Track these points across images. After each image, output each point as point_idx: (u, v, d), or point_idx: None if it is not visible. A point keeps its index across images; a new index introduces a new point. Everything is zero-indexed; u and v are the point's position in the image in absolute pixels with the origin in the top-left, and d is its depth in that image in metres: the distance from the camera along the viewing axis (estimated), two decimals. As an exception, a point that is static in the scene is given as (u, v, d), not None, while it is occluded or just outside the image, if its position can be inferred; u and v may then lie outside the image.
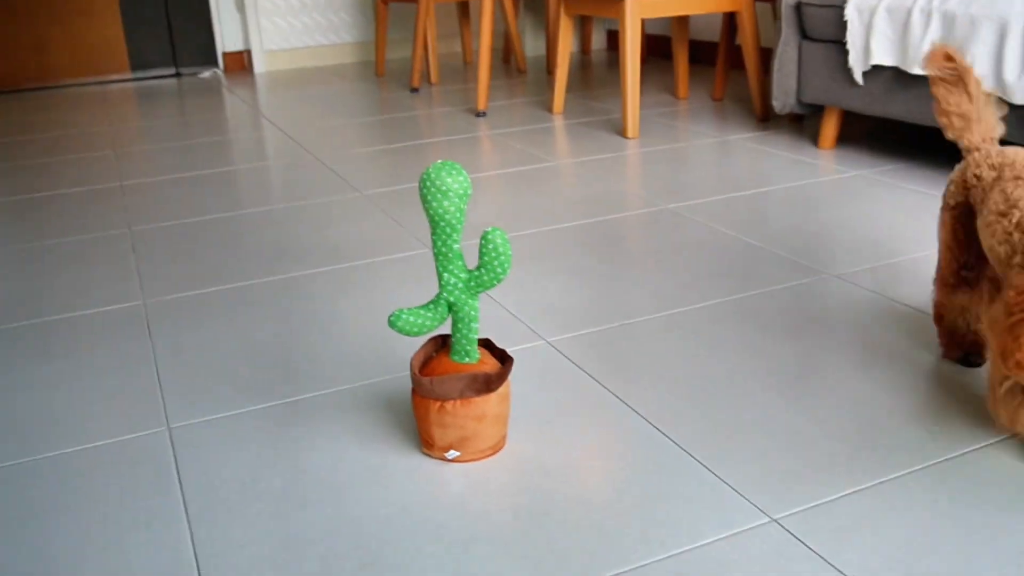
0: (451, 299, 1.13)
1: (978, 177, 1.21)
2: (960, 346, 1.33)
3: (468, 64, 4.62)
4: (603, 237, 1.95)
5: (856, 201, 2.10)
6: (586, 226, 2.03)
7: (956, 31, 2.06)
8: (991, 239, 1.13)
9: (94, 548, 1.02)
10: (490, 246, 1.10)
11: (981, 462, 1.10)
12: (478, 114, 3.31)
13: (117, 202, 2.40)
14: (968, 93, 1.26)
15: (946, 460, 1.10)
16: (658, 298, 1.62)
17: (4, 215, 2.34)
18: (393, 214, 2.18)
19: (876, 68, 2.30)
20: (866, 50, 2.28)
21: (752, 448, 1.15)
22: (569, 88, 3.79)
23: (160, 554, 1.01)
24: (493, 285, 1.12)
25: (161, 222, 2.21)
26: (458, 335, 1.15)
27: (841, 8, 2.34)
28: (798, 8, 2.53)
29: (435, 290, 1.70)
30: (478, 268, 1.12)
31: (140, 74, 4.66)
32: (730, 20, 3.30)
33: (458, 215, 1.09)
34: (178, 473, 1.16)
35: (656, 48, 4.61)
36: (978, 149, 1.26)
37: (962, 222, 1.26)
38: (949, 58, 1.27)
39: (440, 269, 1.12)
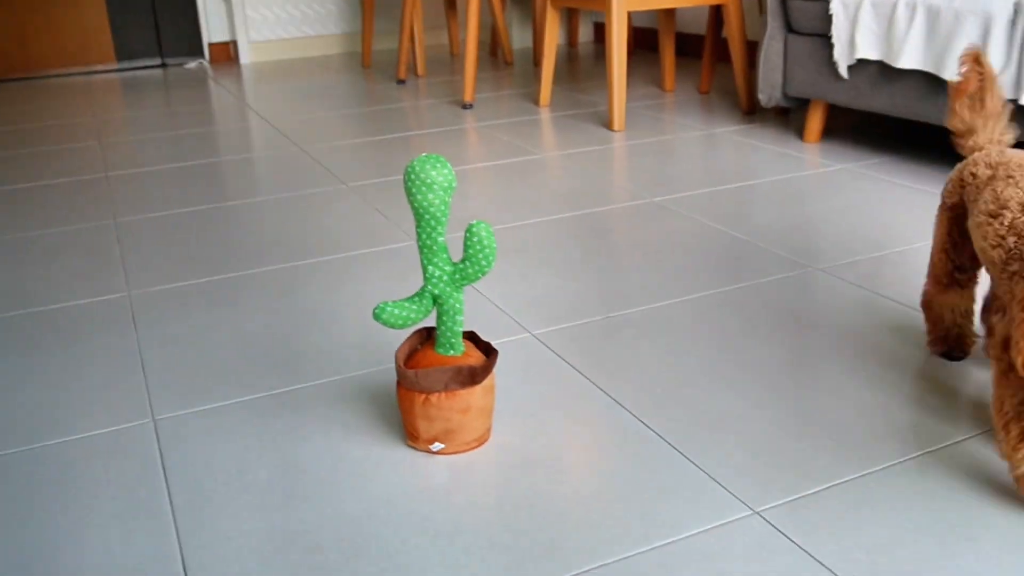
0: (436, 292, 1.13)
1: (973, 175, 1.19)
2: (945, 340, 1.33)
3: (455, 56, 4.61)
4: (589, 230, 1.95)
5: (841, 195, 2.11)
6: (572, 219, 2.03)
7: (940, 25, 2.07)
8: (982, 241, 1.10)
9: (78, 540, 1.02)
10: (475, 239, 1.10)
11: (962, 455, 1.10)
12: (464, 106, 3.30)
13: (102, 193, 2.39)
14: (983, 100, 1.23)
15: (927, 453, 1.11)
16: (643, 291, 1.62)
17: (-13, 206, 2.32)
18: (378, 206, 2.18)
19: (861, 62, 2.31)
20: (851, 44, 2.29)
21: (735, 441, 1.15)
22: (556, 80, 3.79)
23: (145, 546, 1.01)
24: (478, 278, 1.12)
25: (146, 213, 2.20)
26: (443, 328, 1.15)
27: (827, 2, 2.35)
28: (784, 2, 2.53)
29: (420, 283, 1.70)
30: (463, 261, 1.12)
31: (125, 64, 4.64)
32: (716, 13, 3.31)
33: (443, 208, 1.10)
34: (163, 465, 1.16)
35: (643, 41, 4.61)
36: (982, 150, 1.23)
37: (957, 223, 1.23)
38: (979, 61, 1.23)
39: (425, 262, 1.13)
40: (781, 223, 1.93)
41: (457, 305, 1.14)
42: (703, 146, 2.61)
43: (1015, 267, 1.03)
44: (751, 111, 3.00)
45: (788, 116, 2.94)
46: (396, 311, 1.12)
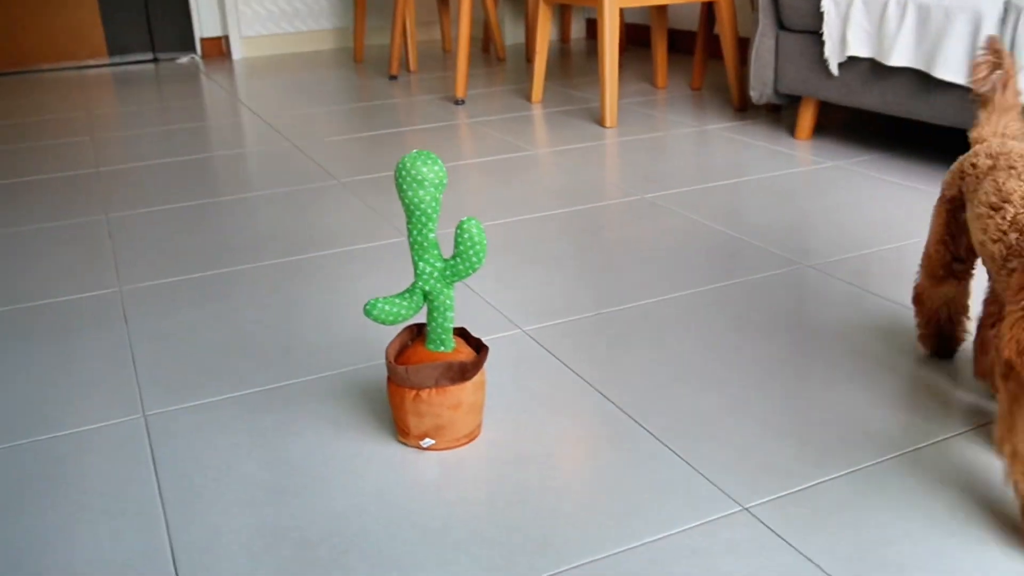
0: (426, 288, 1.13)
1: (973, 165, 1.15)
2: (937, 336, 1.32)
3: (447, 52, 4.61)
4: (580, 226, 1.95)
5: (832, 192, 2.12)
6: (563, 215, 2.03)
7: (931, 23, 2.08)
8: (982, 234, 1.07)
9: (68, 535, 1.02)
10: (465, 235, 1.10)
11: (950, 451, 1.11)
12: (456, 102, 3.30)
13: (94, 188, 2.38)
14: (997, 96, 1.21)
15: (916, 449, 1.12)
16: (634, 287, 1.63)
17: (-22, 201, 2.32)
18: (369, 202, 2.18)
19: (852, 59, 2.31)
20: (842, 41, 2.29)
21: (725, 437, 1.16)
22: (548, 77, 3.79)
23: (135, 541, 1.01)
24: (468, 274, 1.12)
25: (138, 208, 2.20)
26: (433, 324, 1.15)
27: (818, -1, 2.36)
28: (776, -1, 2.54)
29: (411, 279, 1.70)
30: (454, 257, 1.12)
31: (117, 59, 4.62)
32: (708, 10, 3.31)
33: (434, 204, 1.10)
34: (153, 460, 1.16)
35: (635, 37, 4.61)
36: (985, 141, 1.20)
37: (955, 215, 1.21)
38: (998, 54, 1.21)
39: (416, 258, 1.13)
40: (772, 220, 1.94)
41: (448, 301, 1.14)
42: (695, 143, 2.61)
43: (1015, 264, 1.00)
44: (743, 108, 3.01)
45: (780, 113, 2.95)
46: (387, 307, 1.13)
